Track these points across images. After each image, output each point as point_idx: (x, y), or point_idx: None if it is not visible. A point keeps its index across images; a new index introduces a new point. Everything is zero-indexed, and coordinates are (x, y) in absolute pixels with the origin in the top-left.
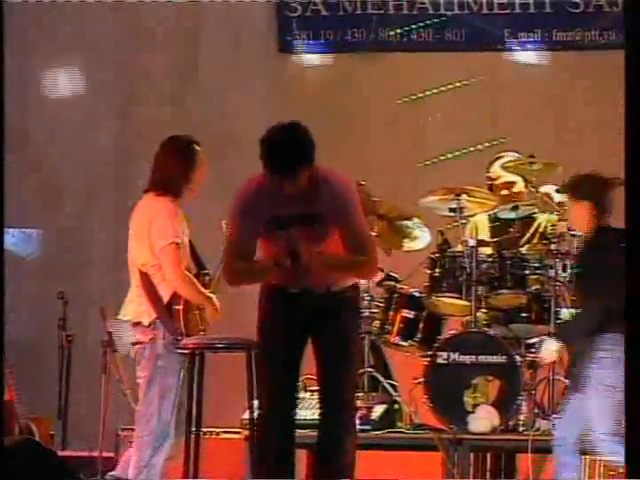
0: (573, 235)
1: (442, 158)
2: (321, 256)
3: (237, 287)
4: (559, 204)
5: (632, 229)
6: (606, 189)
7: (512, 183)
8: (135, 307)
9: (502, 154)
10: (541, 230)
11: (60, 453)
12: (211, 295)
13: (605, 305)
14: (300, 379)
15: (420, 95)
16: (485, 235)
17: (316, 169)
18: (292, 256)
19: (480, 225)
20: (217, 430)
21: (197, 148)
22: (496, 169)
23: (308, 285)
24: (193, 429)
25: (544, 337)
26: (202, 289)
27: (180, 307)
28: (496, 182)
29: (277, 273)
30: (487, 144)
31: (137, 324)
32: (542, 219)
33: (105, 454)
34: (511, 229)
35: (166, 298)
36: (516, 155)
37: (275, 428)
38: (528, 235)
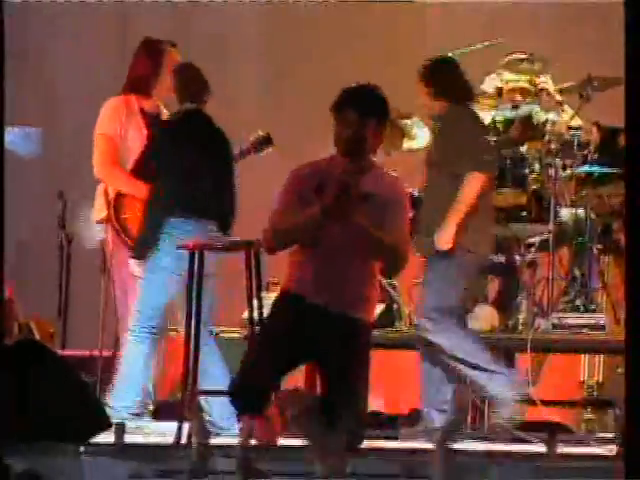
0: (573, 134)
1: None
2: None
3: (277, 252)
4: (559, 103)
5: (632, 228)
6: None
7: (521, 86)
8: (95, 204)
9: (508, 55)
10: (542, 128)
11: (60, 352)
12: None
13: None
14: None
15: None
16: None
17: (377, 163)
18: (341, 189)
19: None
20: (217, 329)
21: (169, 48)
22: (503, 71)
23: (327, 301)
24: (193, 328)
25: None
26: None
27: (111, 200)
28: (505, 85)
29: (319, 223)
30: (487, 43)
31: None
32: (544, 118)
33: (105, 353)
34: (511, 128)
35: (112, 194)
36: (521, 55)
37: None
38: (530, 134)
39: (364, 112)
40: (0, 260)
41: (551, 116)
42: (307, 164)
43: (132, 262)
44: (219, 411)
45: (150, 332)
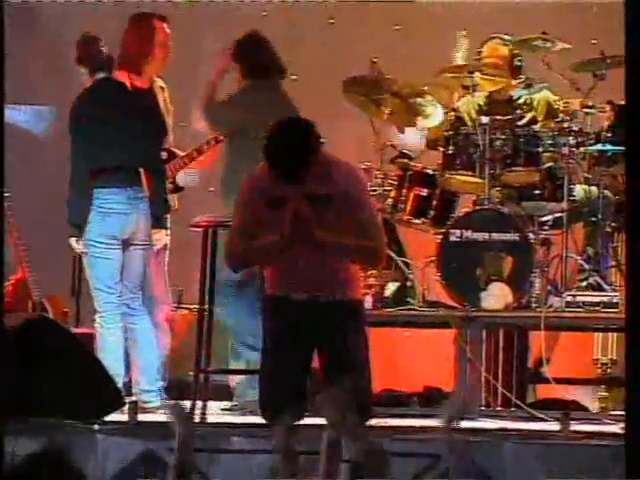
0: (587, 113)
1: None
2: (326, 232)
3: (239, 269)
4: (572, 81)
5: (632, 227)
6: None
7: (493, 62)
8: None
9: (494, 34)
10: (544, 107)
11: (73, 330)
12: None
13: None
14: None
15: None
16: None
17: (324, 153)
18: (296, 220)
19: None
20: None
21: (159, 23)
22: (489, 46)
23: (313, 293)
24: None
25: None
26: None
27: None
28: (488, 60)
29: (280, 250)
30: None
31: None
32: (540, 96)
33: None
34: (524, 107)
35: None
36: (506, 37)
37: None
38: (532, 114)
39: (299, 165)
40: (0, 246)
41: (563, 95)
42: (258, 169)
43: (72, 240)
44: (147, 379)
45: (116, 304)
